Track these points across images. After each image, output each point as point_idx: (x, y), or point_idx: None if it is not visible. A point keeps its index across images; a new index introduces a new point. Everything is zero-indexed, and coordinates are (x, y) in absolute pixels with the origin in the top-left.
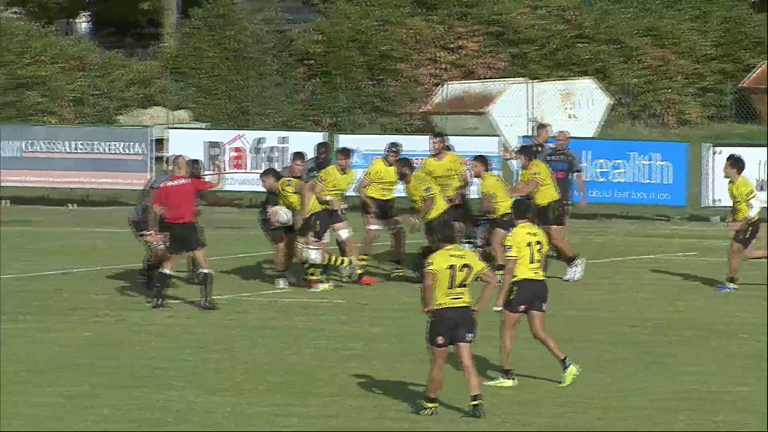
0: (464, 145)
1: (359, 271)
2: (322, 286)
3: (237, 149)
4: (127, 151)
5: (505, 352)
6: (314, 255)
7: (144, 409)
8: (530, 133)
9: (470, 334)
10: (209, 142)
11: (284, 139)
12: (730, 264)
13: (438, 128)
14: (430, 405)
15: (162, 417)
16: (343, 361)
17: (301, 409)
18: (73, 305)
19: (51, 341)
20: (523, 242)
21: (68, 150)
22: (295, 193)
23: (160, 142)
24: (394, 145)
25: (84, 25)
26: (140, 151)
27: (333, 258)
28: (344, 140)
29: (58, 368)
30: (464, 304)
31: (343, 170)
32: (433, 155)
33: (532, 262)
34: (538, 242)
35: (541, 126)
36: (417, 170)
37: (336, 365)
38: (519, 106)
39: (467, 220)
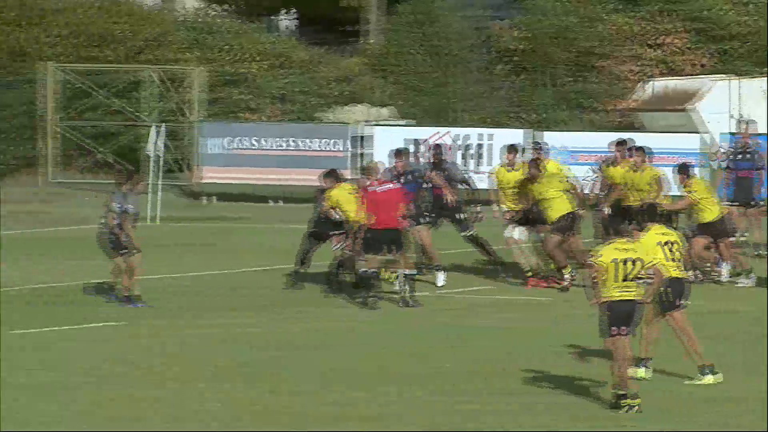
0: (665, 143)
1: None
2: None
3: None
4: (330, 149)
5: (646, 341)
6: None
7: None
8: (734, 130)
9: (629, 328)
10: (412, 139)
11: (486, 136)
12: None
13: (640, 125)
14: (633, 402)
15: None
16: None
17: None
18: (283, 301)
19: (265, 337)
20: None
21: (271, 147)
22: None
23: (362, 140)
24: (537, 143)
25: (288, 22)
26: (342, 149)
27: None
28: (548, 137)
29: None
30: (633, 297)
31: (511, 167)
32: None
33: (672, 260)
34: (668, 242)
35: (746, 122)
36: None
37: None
38: (723, 103)
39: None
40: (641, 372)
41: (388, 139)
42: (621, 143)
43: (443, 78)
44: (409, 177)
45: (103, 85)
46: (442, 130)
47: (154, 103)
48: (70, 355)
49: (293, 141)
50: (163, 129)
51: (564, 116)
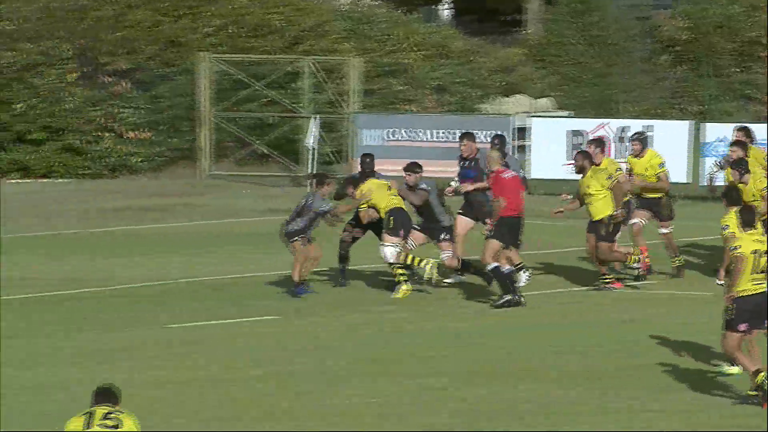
0: None
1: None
2: (403, 288)
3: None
4: (489, 141)
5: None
6: (389, 253)
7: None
8: None
9: (766, 322)
10: (572, 130)
11: (649, 128)
12: None
13: None
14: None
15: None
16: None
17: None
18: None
19: (403, 332)
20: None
21: (430, 138)
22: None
23: (522, 131)
24: (639, 134)
25: (446, 12)
26: None
27: (411, 258)
28: (711, 129)
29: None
30: (764, 290)
31: (637, 156)
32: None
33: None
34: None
35: None
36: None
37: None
38: None
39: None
40: (736, 369)
41: (547, 130)
42: (742, 129)
43: (605, 68)
44: (472, 163)
45: (259, 76)
46: (603, 121)
47: (310, 94)
48: (231, 349)
49: (451, 133)
50: (318, 120)
51: (729, 107)
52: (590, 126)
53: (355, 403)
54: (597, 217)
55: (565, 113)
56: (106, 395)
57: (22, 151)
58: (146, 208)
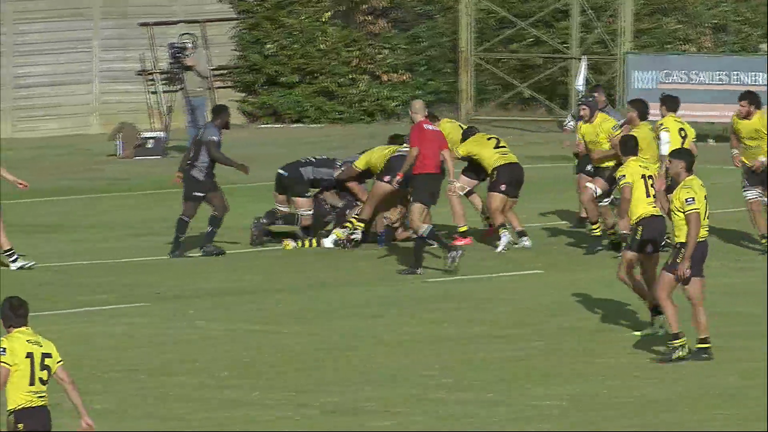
0: None
1: None
2: None
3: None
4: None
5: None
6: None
7: None
8: None
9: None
10: None
11: None
12: None
13: None
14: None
15: None
16: None
17: None
18: None
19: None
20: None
21: (706, 81)
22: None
23: None
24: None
25: None
26: None
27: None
28: None
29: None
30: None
31: (747, 117)
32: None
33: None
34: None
35: None
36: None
37: None
38: None
39: None
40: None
41: None
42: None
43: None
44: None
45: (524, 15)
46: None
47: (578, 33)
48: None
49: (729, 75)
50: (586, 61)
51: None
52: None
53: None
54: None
55: None
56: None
57: (273, 94)
58: None
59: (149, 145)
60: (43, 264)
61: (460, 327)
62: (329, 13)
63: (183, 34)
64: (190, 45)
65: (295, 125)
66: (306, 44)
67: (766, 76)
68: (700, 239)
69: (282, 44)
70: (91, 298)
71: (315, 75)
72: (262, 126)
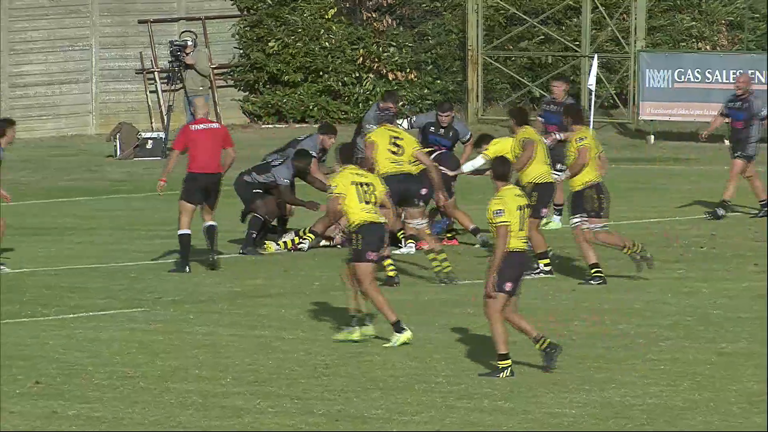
0: None
1: None
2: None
3: None
4: None
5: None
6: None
7: None
8: None
9: None
10: None
11: None
12: None
13: None
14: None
15: None
16: None
17: None
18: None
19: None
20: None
21: (723, 80)
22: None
23: None
24: None
25: None
26: None
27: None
28: None
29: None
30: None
31: None
32: None
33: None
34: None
35: None
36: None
37: None
38: None
39: None
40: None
41: None
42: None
43: None
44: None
45: (534, 12)
46: None
47: (590, 30)
48: None
49: (747, 73)
50: (597, 60)
51: None
52: None
53: None
54: None
55: None
56: None
57: (277, 93)
58: None
59: (149, 146)
60: (42, 268)
61: (469, 332)
62: (333, 9)
63: (183, 32)
64: (190, 43)
65: (299, 125)
66: (310, 42)
67: (766, 75)
68: (518, 250)
69: (285, 42)
70: (92, 302)
71: (319, 73)
72: (265, 126)
